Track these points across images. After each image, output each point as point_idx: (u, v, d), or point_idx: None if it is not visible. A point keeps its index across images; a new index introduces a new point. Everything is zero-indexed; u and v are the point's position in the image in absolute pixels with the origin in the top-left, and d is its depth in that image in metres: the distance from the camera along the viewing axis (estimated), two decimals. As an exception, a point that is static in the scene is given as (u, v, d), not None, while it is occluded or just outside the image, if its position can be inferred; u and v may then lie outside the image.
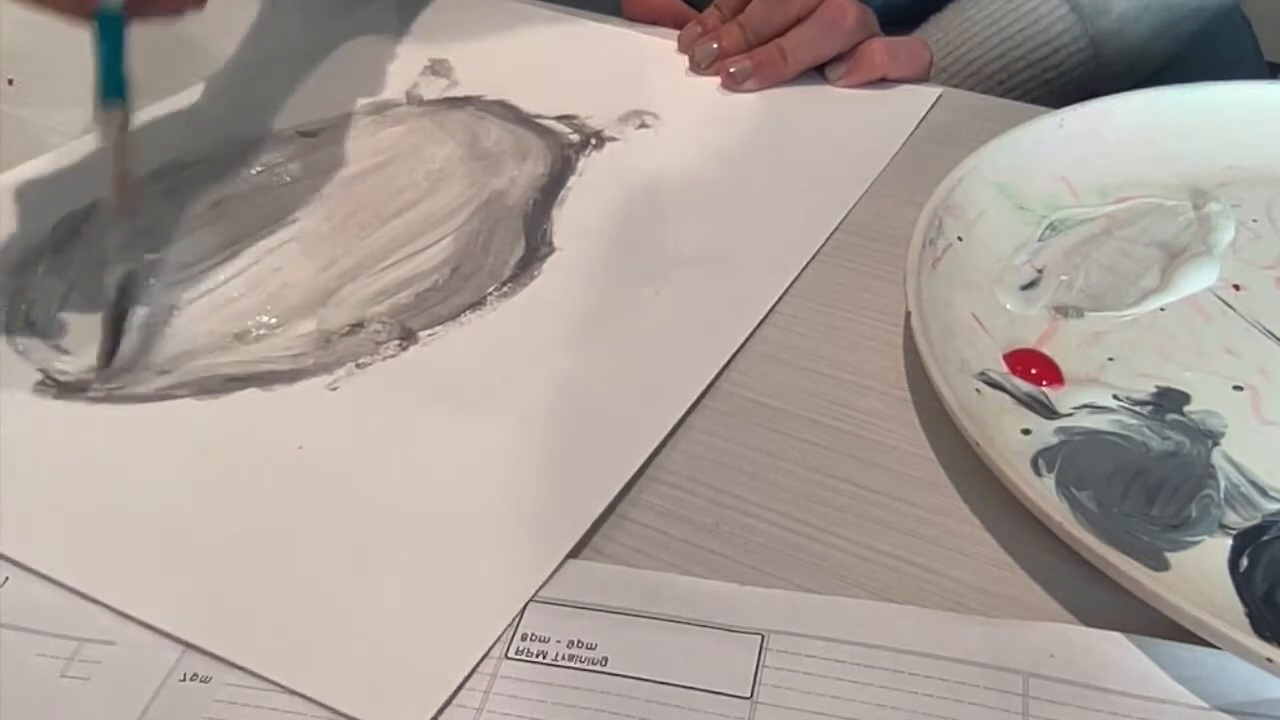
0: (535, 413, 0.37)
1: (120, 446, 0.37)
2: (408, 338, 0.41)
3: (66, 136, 0.53)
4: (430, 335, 0.41)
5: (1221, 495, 0.33)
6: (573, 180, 0.49)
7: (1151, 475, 0.34)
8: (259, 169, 0.50)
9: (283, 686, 0.29)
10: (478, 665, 0.30)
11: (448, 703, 0.29)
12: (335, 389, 0.39)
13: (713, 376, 0.39)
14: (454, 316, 0.42)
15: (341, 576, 0.32)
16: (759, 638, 0.30)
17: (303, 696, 0.29)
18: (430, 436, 0.37)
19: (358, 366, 0.40)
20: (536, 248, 0.45)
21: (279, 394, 0.39)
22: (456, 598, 0.32)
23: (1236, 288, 0.42)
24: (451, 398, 0.38)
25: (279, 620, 0.31)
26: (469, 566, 0.32)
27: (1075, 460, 0.34)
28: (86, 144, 0.53)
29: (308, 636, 0.31)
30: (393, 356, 0.40)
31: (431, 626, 0.31)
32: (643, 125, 0.53)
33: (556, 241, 0.46)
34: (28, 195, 0.49)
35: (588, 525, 0.33)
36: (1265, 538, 0.32)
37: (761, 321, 0.42)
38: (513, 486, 0.35)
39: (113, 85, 0.41)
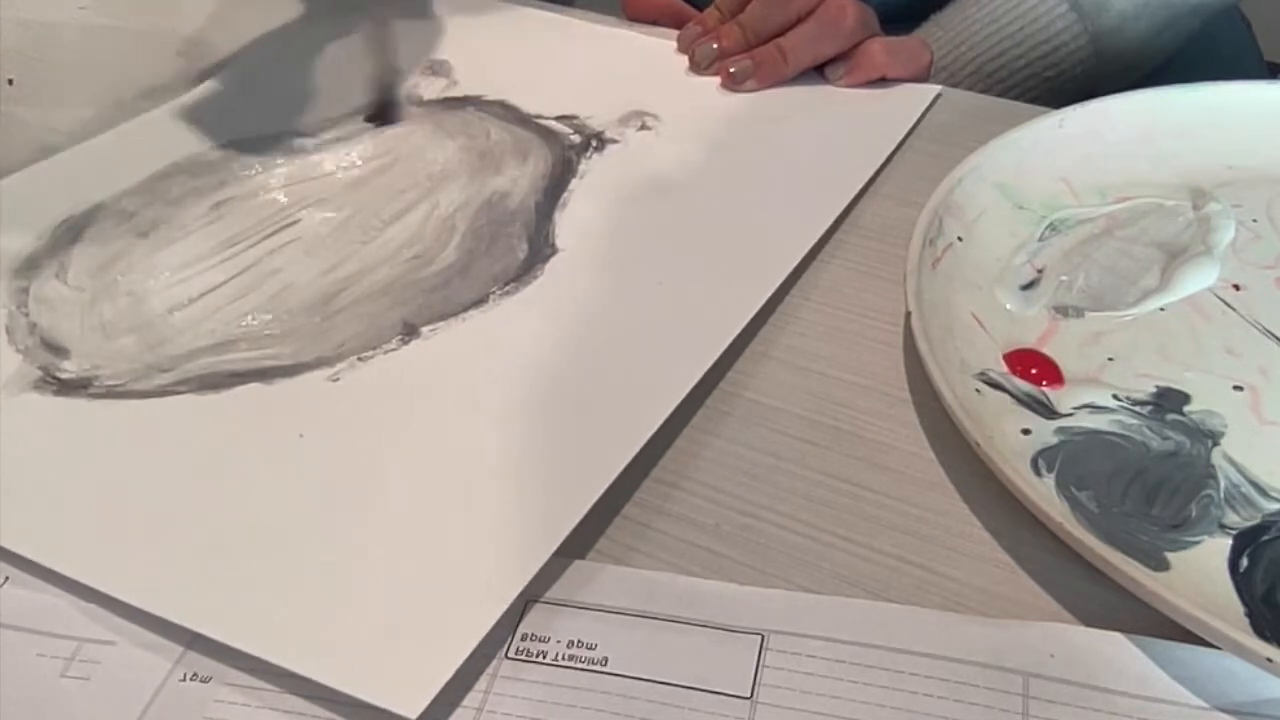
0: (532, 407, 0.37)
1: (121, 441, 0.37)
2: (410, 333, 0.41)
3: (66, 136, 0.53)
4: (432, 330, 0.41)
5: (1221, 495, 0.33)
6: (574, 182, 0.49)
7: (1151, 475, 0.34)
8: (259, 169, 0.51)
9: (284, 677, 0.30)
10: (484, 666, 0.30)
11: (449, 702, 0.29)
12: (337, 380, 0.39)
13: (703, 372, 0.39)
14: (456, 313, 0.42)
15: (342, 564, 0.33)
16: (759, 638, 0.30)
17: (302, 697, 0.29)
18: (429, 428, 0.37)
19: (359, 360, 0.40)
20: (539, 249, 0.45)
21: (280, 387, 0.39)
22: (453, 586, 0.32)
23: (1236, 288, 0.42)
24: (451, 391, 0.38)
25: (281, 607, 0.31)
26: (466, 556, 0.32)
27: (1075, 460, 0.34)
28: (88, 147, 0.53)
29: (309, 623, 0.31)
30: (394, 350, 0.40)
31: (429, 615, 0.31)
32: (643, 127, 0.53)
33: (559, 242, 0.46)
34: (30, 197, 0.49)
35: (579, 517, 0.33)
36: (1265, 538, 0.32)
37: (762, 321, 0.42)
38: (508, 479, 0.35)
39: None
